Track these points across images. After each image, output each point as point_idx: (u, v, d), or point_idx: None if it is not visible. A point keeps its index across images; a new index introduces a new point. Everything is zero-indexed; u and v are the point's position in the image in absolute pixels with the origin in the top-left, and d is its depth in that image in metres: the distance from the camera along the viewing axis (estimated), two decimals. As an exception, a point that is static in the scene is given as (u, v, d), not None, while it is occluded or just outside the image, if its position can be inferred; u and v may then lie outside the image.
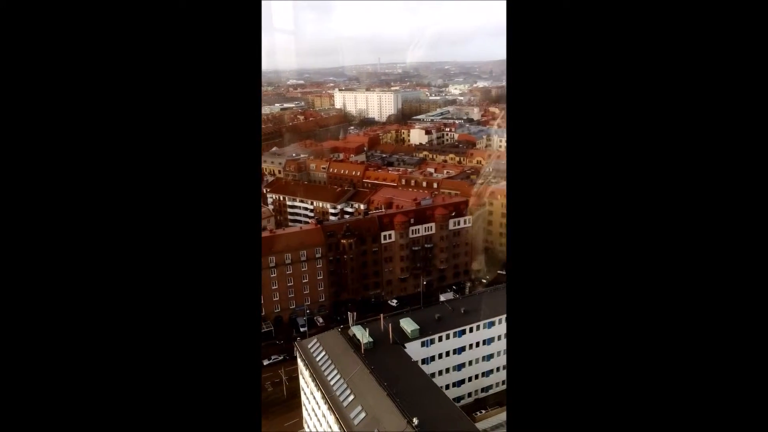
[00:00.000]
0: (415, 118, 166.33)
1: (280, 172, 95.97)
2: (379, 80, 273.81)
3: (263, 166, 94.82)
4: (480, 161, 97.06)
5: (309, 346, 38.48)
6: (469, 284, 62.59)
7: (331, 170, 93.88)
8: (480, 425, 36.22)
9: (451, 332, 40.94)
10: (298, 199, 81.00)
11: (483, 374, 43.30)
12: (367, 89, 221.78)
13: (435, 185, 79.95)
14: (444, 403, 32.62)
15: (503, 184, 75.86)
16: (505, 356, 43.70)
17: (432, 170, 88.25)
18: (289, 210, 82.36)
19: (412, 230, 62.98)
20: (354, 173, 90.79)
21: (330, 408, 32.47)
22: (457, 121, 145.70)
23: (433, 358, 40.50)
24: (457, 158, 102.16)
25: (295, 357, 39.97)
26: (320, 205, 79.31)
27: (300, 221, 76.03)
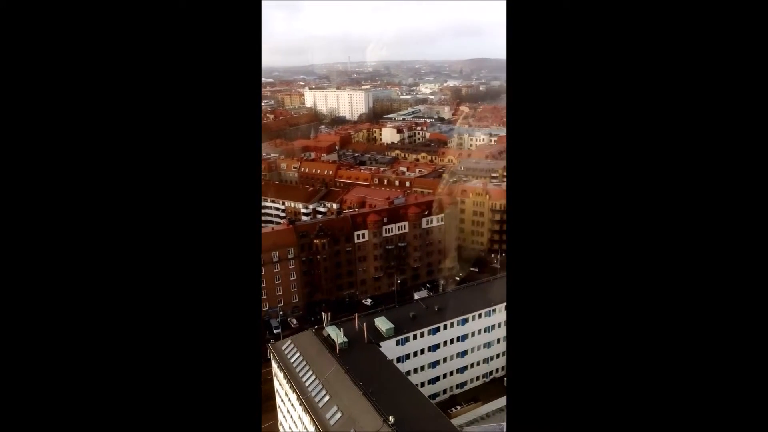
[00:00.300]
0: (386, 116, 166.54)
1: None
2: (350, 79, 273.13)
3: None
4: (452, 160, 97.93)
5: (283, 347, 38.06)
6: (442, 282, 63.11)
7: (302, 170, 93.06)
8: (455, 421, 36.56)
9: (425, 330, 41.20)
10: (269, 200, 79.95)
11: (458, 371, 43.76)
12: (338, 88, 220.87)
13: (407, 184, 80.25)
14: (419, 401, 32.79)
15: (474, 182, 76.77)
16: (478, 352, 44.28)
17: (404, 169, 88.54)
18: (261, 210, 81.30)
19: (386, 229, 63.05)
20: (326, 172, 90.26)
21: (306, 409, 32.20)
22: (428, 120, 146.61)
23: (408, 356, 40.68)
24: (429, 157, 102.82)
25: (269, 359, 39.47)
26: (292, 205, 78.52)
27: (272, 222, 75.07)
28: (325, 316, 40.31)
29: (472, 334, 43.61)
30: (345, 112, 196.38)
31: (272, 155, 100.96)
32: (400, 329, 40.19)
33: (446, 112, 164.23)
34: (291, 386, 34.66)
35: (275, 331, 55.59)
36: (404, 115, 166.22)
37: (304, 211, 76.04)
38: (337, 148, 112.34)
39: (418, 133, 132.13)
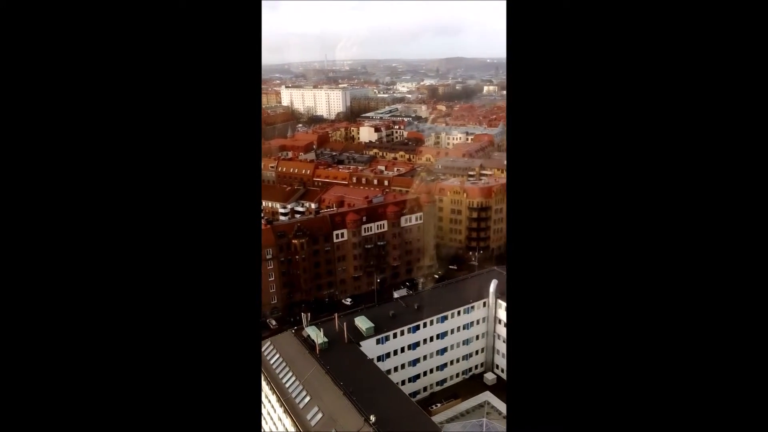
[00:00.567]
0: (364, 115, 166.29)
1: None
2: (327, 77, 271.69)
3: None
4: (429, 158, 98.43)
5: (262, 349, 37.73)
6: (422, 280, 63.45)
7: (279, 169, 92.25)
8: (436, 419, 36.88)
9: (405, 328, 41.37)
10: (246, 200, 78.85)
11: (437, 368, 44.08)
12: (315, 86, 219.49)
13: (386, 183, 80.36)
14: (400, 399, 32.95)
15: (452, 180, 77.35)
16: (458, 349, 44.69)
17: (383, 168, 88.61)
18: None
19: (365, 228, 63.05)
20: (304, 172, 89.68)
21: (286, 410, 32.02)
22: (405, 119, 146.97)
23: (388, 355, 40.80)
24: (407, 155, 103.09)
25: (248, 361, 39.00)
26: (269, 205, 77.79)
27: (249, 222, 74.08)
28: (304, 317, 40.12)
29: (452, 332, 43.98)
30: (322, 111, 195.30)
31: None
32: (380, 328, 40.27)
33: (423, 111, 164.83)
34: (271, 388, 34.41)
35: (254, 333, 54.97)
36: (382, 113, 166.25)
37: (282, 210, 75.42)
38: (314, 147, 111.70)
39: (396, 132, 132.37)
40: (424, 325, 42.38)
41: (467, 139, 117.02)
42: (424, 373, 43.39)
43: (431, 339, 43.00)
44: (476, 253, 68.03)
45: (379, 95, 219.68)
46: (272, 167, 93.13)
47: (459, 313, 44.00)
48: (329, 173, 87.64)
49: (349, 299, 61.70)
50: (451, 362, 44.71)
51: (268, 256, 58.90)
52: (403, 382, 41.21)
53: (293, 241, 59.50)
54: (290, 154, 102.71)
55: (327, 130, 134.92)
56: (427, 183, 76.73)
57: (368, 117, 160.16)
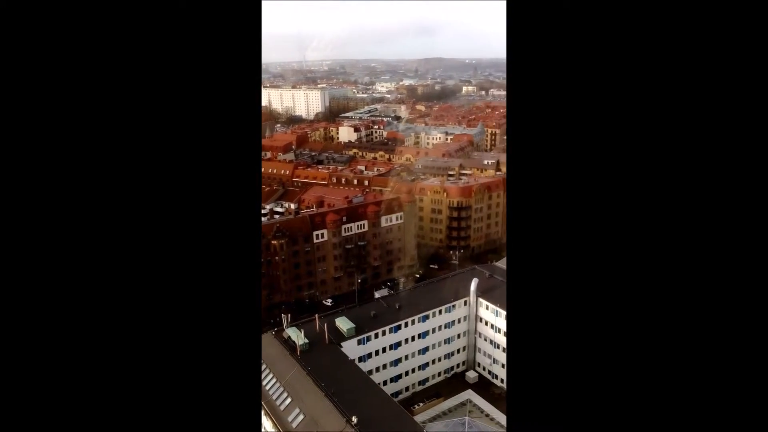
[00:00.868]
0: (343, 115, 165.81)
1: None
2: (305, 77, 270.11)
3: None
4: (409, 158, 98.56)
5: (242, 352, 37.11)
6: (403, 280, 63.41)
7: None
8: (418, 418, 36.84)
9: (386, 328, 41.24)
10: (224, 200, 77.78)
11: (419, 368, 44.06)
12: (293, 87, 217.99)
13: (366, 183, 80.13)
14: (382, 400, 32.78)
15: (432, 180, 77.57)
16: (439, 348, 44.75)
17: (362, 168, 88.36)
18: (216, 212, 78.92)
19: (345, 228, 62.72)
20: (283, 172, 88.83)
21: (267, 413, 31.53)
22: (385, 119, 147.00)
23: (369, 355, 40.60)
24: (387, 155, 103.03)
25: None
26: (248, 206, 76.75)
27: (227, 223, 73.09)
28: (284, 318, 39.62)
29: (433, 331, 44.02)
30: (301, 111, 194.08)
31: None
32: (361, 328, 40.05)
33: (403, 111, 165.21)
34: (251, 391, 33.84)
35: (233, 335, 54.19)
36: (361, 113, 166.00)
37: (261, 211, 74.58)
38: (293, 147, 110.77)
39: (376, 132, 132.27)
40: (406, 325, 42.31)
41: (447, 139, 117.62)
42: (406, 373, 43.31)
43: (413, 338, 42.96)
44: (457, 252, 68.32)
45: (358, 95, 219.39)
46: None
47: (440, 312, 44.06)
48: (308, 173, 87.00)
49: (329, 300, 61.27)
50: (433, 361, 44.75)
51: (247, 258, 58.00)
52: (385, 383, 41.06)
53: (272, 242, 58.79)
54: (269, 155, 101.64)
55: (306, 131, 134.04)
56: (407, 182, 76.77)
57: (347, 117, 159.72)
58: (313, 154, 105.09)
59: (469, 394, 42.79)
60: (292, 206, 72.05)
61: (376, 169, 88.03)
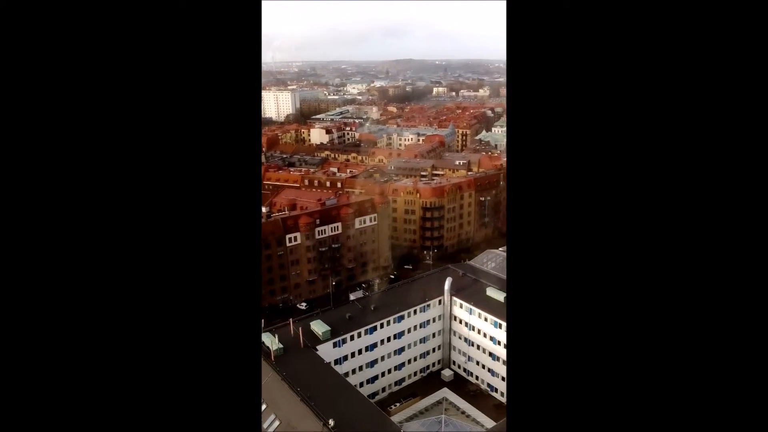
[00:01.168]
0: (314, 117, 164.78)
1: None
2: (275, 79, 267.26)
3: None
4: (382, 159, 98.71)
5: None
6: (377, 281, 63.45)
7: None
8: (395, 418, 36.91)
9: (362, 330, 41.19)
10: (194, 205, 76.21)
11: (395, 368, 44.16)
12: (263, 88, 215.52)
13: (339, 185, 79.86)
14: (359, 402, 32.73)
15: (405, 181, 77.88)
16: (415, 348, 44.95)
17: (335, 170, 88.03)
18: (185, 217, 77.24)
19: (318, 231, 62.35)
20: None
21: (241, 421, 31.04)
22: (357, 120, 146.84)
23: (345, 358, 40.47)
24: (360, 157, 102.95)
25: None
26: (219, 210, 75.43)
27: (198, 228, 71.65)
28: (258, 323, 39.11)
29: (408, 331, 44.19)
30: (271, 113, 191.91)
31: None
32: (336, 331, 39.88)
33: (374, 113, 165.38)
34: (225, 398, 33.28)
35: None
36: (332, 115, 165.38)
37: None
38: (264, 149, 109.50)
39: (348, 134, 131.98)
40: (381, 326, 42.36)
41: (418, 140, 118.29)
42: (382, 374, 43.35)
43: (388, 339, 43.03)
44: (431, 252, 68.78)
45: (329, 97, 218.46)
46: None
47: (415, 312, 44.27)
48: (280, 176, 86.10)
49: (304, 303, 60.77)
50: (409, 361, 44.92)
51: (219, 263, 57.02)
52: (361, 384, 40.99)
53: (245, 246, 57.98)
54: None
55: (277, 133, 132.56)
56: (380, 184, 76.85)
57: (319, 119, 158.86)
58: (285, 156, 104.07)
59: (445, 392, 43.13)
60: (264, 210, 71.19)
61: (348, 171, 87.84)
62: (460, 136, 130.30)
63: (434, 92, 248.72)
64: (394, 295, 46.86)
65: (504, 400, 41.51)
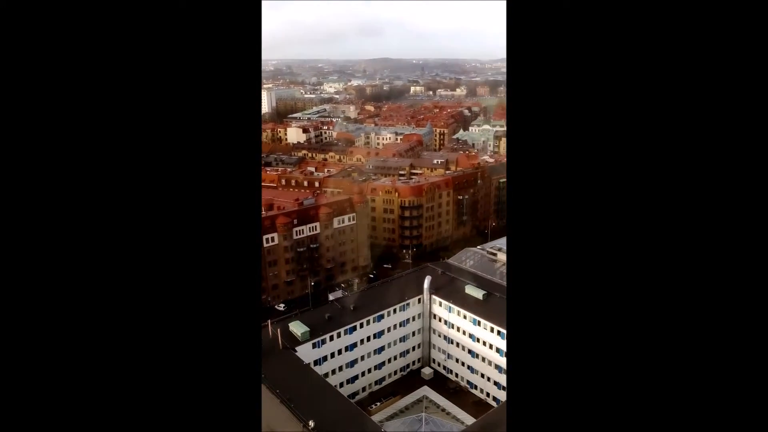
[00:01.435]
0: (291, 116, 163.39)
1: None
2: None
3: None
4: (360, 158, 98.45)
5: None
6: (356, 280, 63.24)
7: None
8: (376, 418, 36.85)
9: (341, 330, 40.97)
10: (168, 206, 74.69)
11: (375, 367, 44.08)
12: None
13: (317, 184, 79.34)
14: (339, 402, 32.54)
15: (384, 180, 77.83)
16: (395, 347, 44.94)
17: (312, 169, 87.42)
18: (160, 218, 75.66)
19: (296, 231, 61.80)
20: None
21: (219, 425, 30.54)
22: (334, 119, 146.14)
23: (325, 358, 40.20)
24: (338, 156, 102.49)
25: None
26: (195, 211, 74.12)
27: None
28: (236, 325, 38.52)
29: (388, 330, 44.17)
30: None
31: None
32: (315, 332, 39.59)
33: (352, 111, 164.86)
34: (202, 402, 32.70)
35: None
36: (309, 114, 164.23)
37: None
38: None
39: (325, 133, 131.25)
40: (361, 326, 42.22)
41: (396, 139, 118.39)
42: (363, 374, 43.22)
43: (368, 339, 42.92)
44: (410, 251, 68.91)
45: (306, 96, 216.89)
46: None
47: (395, 311, 44.27)
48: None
49: (282, 305, 60.18)
50: (389, 360, 44.90)
51: (195, 265, 56.02)
52: (341, 384, 40.78)
53: (221, 247, 57.10)
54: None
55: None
56: (358, 183, 76.62)
57: (295, 118, 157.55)
58: (261, 155, 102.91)
59: (425, 391, 43.25)
60: (241, 210, 70.17)
61: (326, 170, 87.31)
62: (437, 135, 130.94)
63: (411, 91, 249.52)
64: (374, 294, 46.76)
65: (483, 396, 41.87)
